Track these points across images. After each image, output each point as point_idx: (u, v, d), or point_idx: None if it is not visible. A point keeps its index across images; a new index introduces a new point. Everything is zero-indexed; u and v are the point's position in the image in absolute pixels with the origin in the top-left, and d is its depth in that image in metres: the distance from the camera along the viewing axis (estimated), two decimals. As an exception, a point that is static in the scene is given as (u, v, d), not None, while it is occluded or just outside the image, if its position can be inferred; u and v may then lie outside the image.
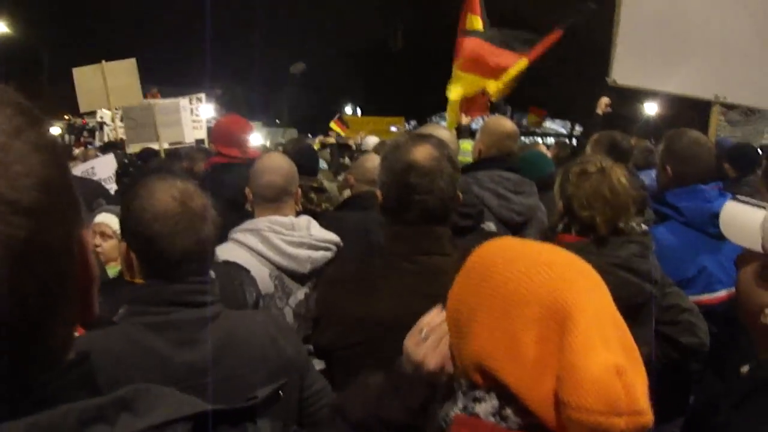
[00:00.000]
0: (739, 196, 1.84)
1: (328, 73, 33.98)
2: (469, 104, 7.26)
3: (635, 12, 4.50)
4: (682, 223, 3.24)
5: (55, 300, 0.64)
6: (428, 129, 3.69)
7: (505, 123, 4.06)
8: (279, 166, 3.08)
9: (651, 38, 4.55)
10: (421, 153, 2.23)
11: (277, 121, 33.05)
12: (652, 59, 4.59)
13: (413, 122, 29.17)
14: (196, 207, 1.86)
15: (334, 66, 33.99)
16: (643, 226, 2.75)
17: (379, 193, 2.33)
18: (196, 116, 11.78)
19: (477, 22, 7.32)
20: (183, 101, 9.26)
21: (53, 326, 0.65)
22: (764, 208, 1.66)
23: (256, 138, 18.32)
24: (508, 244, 1.24)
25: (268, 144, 17.14)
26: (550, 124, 37.88)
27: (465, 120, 6.44)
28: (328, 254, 3.00)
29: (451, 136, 3.81)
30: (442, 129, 3.77)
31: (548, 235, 2.78)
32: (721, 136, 8.58)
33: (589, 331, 1.01)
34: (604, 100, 5.51)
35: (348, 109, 38.91)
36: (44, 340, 0.64)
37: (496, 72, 7.15)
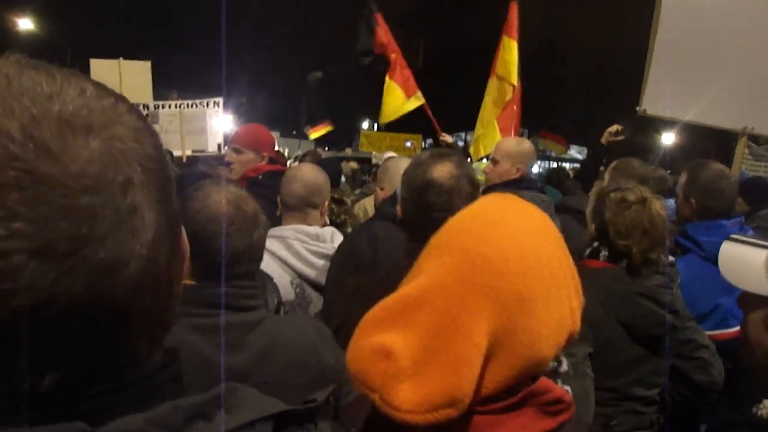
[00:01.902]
0: (736, 235, 1.81)
1: (347, 87, 34.18)
2: (507, 124, 7.29)
3: (669, 43, 4.55)
4: (701, 258, 3.23)
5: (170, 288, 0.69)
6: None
7: (527, 143, 4.16)
8: (303, 177, 3.12)
9: (683, 69, 4.61)
10: (441, 171, 2.26)
11: (294, 132, 33.20)
12: (683, 90, 4.64)
13: (429, 140, 29.25)
14: (249, 211, 1.91)
15: (353, 80, 34.17)
16: (670, 258, 2.75)
17: (399, 208, 2.37)
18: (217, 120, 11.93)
19: (513, 46, 7.31)
20: (209, 110, 9.35)
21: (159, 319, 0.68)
22: (765, 247, 1.64)
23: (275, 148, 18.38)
24: None
25: (287, 154, 17.19)
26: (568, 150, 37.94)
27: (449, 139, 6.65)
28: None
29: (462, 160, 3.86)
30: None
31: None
32: (743, 170, 8.55)
33: (387, 309, 1.07)
34: (611, 129, 5.51)
35: (365, 124, 39.09)
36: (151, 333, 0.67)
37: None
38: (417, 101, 7.55)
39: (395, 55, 7.62)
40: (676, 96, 4.67)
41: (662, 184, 5.32)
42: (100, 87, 0.65)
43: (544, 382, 1.13)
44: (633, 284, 2.59)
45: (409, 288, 1.11)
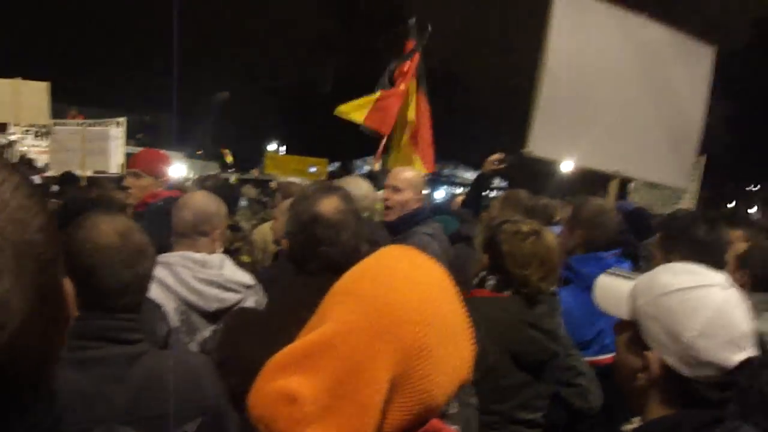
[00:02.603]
0: (612, 269, 1.97)
1: (255, 108, 34.00)
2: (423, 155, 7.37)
3: (553, 90, 4.83)
4: (583, 288, 3.37)
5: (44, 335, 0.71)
6: (347, 181, 3.77)
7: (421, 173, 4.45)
8: (194, 204, 3.10)
9: (565, 115, 4.91)
10: (328, 205, 2.29)
11: (198, 153, 32.68)
12: (565, 133, 4.94)
13: (336, 164, 29.35)
14: (137, 242, 1.89)
15: (261, 101, 34.05)
16: (553, 288, 2.86)
17: (285, 242, 2.39)
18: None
19: (411, 84, 7.41)
20: (112, 130, 9.15)
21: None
22: (632, 279, 1.76)
23: (179, 169, 17.99)
24: None
25: (192, 176, 16.86)
26: (467, 174, 38.89)
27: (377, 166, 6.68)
28: (238, 296, 2.98)
29: (369, 188, 3.90)
30: (360, 180, 3.88)
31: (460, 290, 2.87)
32: (629, 201, 8.99)
33: (293, 354, 1.09)
34: (492, 158, 5.73)
35: (272, 146, 38.91)
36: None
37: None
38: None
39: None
40: (559, 139, 4.94)
41: (547, 212, 5.55)
42: None
43: (435, 422, 1.16)
44: (518, 313, 2.68)
45: (314, 334, 1.12)
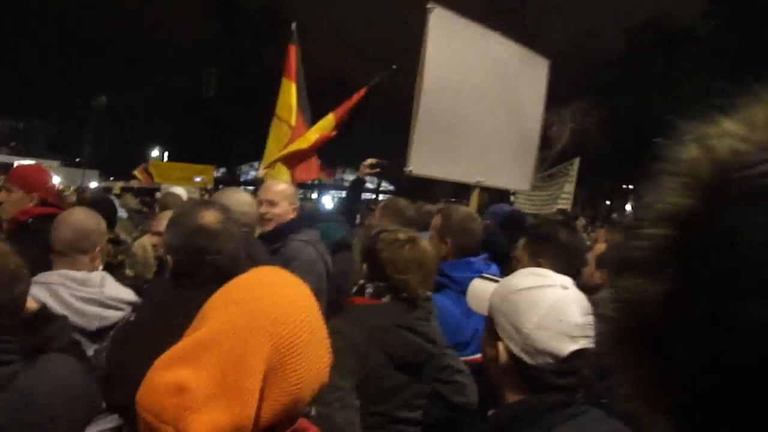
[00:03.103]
0: (485, 274, 2.20)
1: (137, 114, 33.06)
2: (301, 165, 7.39)
3: (429, 110, 5.09)
4: (457, 292, 3.56)
5: None
6: (227, 193, 3.80)
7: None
8: (72, 221, 3.08)
9: (440, 134, 5.20)
10: (209, 217, 2.39)
11: (77, 160, 31.41)
12: (439, 151, 5.24)
13: (222, 170, 28.94)
14: (10, 265, 1.89)
15: (143, 106, 33.12)
16: (427, 293, 3.02)
17: (169, 257, 2.43)
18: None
19: (291, 88, 7.46)
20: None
21: None
22: (496, 281, 2.02)
23: (55, 179, 17.18)
24: None
25: (72, 187, 16.16)
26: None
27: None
28: (120, 313, 2.98)
29: (251, 200, 3.94)
30: (242, 193, 3.95)
31: (338, 298, 3.01)
32: (514, 205, 9.41)
33: (180, 352, 1.23)
34: (366, 163, 5.92)
35: (155, 152, 37.93)
36: None
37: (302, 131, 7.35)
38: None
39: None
40: (435, 157, 5.23)
41: (429, 218, 5.78)
42: None
43: (302, 422, 1.35)
44: (396, 318, 2.82)
45: (198, 333, 1.26)
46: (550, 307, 1.74)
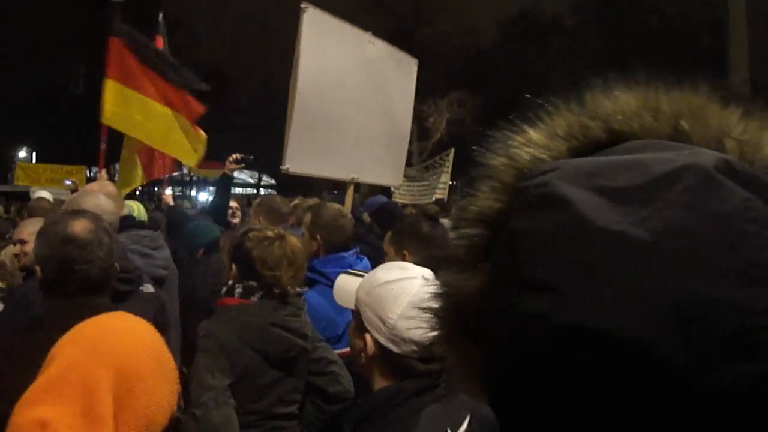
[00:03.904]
0: (351, 270, 2.31)
1: (1, 113, 31.23)
2: (150, 162, 7.24)
3: (303, 109, 5.14)
4: (329, 287, 3.67)
5: None
6: (87, 196, 3.65)
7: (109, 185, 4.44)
8: None
9: (314, 131, 5.28)
10: (79, 226, 2.38)
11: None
12: (315, 148, 5.34)
13: (95, 169, 27.77)
14: None
15: (7, 105, 31.33)
16: (297, 289, 3.11)
17: (38, 268, 2.41)
18: None
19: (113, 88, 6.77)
20: None
21: None
22: (361, 276, 2.15)
23: None
24: None
25: None
26: (238, 174, 38.57)
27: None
28: None
29: (111, 204, 3.81)
30: (100, 196, 3.74)
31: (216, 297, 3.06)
32: (394, 197, 9.62)
33: (37, 391, 1.33)
34: (231, 158, 5.97)
35: (23, 153, 36.04)
36: None
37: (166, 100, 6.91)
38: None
39: None
40: (310, 154, 5.32)
41: (299, 213, 5.88)
42: None
43: None
44: (266, 316, 2.90)
45: (49, 370, 1.35)
46: (413, 297, 1.85)
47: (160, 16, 7.62)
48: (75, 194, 4.06)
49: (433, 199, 10.79)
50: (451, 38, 37.15)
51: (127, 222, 3.95)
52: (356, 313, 2.01)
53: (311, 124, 5.22)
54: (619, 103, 0.60)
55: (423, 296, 1.80)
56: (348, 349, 3.51)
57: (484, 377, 0.58)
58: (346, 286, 2.18)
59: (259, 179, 41.32)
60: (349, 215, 4.14)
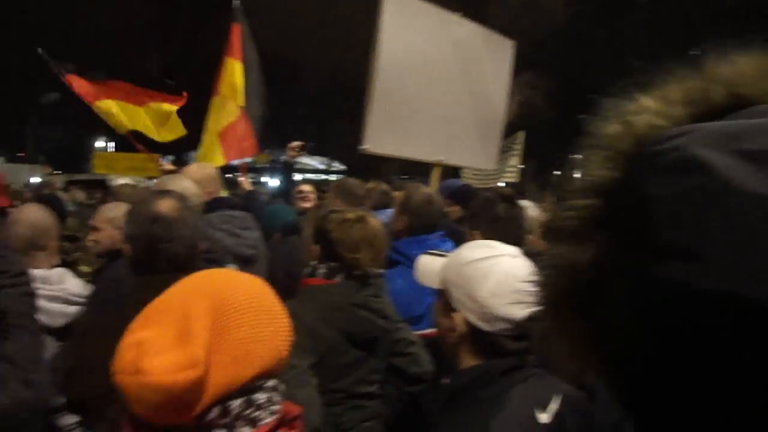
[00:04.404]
0: (430, 251, 2.32)
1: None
2: (231, 143, 7.40)
3: (385, 88, 5.15)
4: (411, 268, 3.67)
5: None
6: (173, 180, 3.79)
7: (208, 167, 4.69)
8: (27, 219, 3.09)
9: (396, 111, 5.28)
10: (165, 205, 2.45)
11: (19, 155, 30.57)
12: (397, 129, 5.33)
13: (170, 157, 28.45)
14: None
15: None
16: (379, 270, 3.13)
17: (126, 246, 2.49)
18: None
19: (237, 68, 7.47)
20: None
21: None
22: (444, 256, 2.15)
23: None
24: None
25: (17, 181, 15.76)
26: (308, 160, 38.93)
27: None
28: (78, 308, 3.03)
29: (194, 187, 3.95)
30: (185, 180, 3.88)
31: (290, 281, 3.11)
32: (462, 178, 9.56)
33: (139, 320, 1.41)
34: (293, 145, 6.03)
35: (100, 143, 37.13)
36: None
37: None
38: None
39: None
40: (391, 135, 5.31)
41: (385, 197, 5.90)
42: None
43: (287, 405, 1.47)
44: (349, 296, 2.93)
45: (153, 303, 1.43)
46: (502, 275, 1.87)
47: (237, 2, 7.67)
48: (162, 178, 4.18)
49: (503, 182, 10.65)
50: (519, 19, 36.57)
51: (220, 202, 4.08)
52: (442, 293, 2.02)
53: (392, 104, 5.21)
54: (739, 67, 0.58)
55: (514, 273, 1.84)
56: (429, 330, 3.55)
57: (596, 355, 0.57)
58: (430, 266, 2.17)
59: (329, 165, 41.66)
60: (439, 202, 4.14)
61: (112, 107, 7.99)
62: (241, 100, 7.36)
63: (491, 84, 6.26)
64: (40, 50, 7.54)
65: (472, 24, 5.99)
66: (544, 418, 1.82)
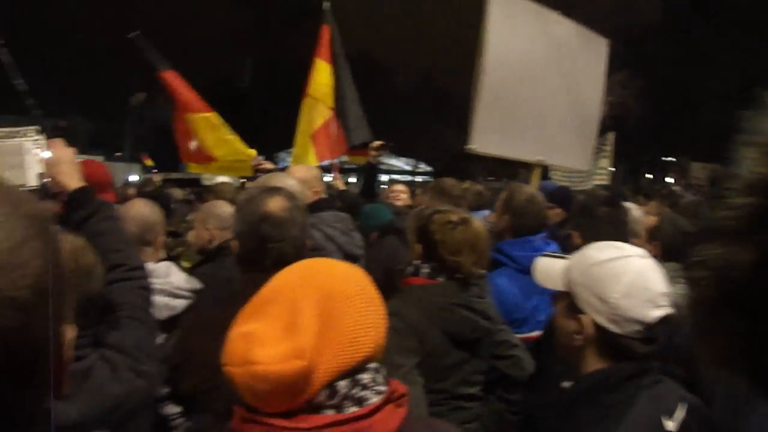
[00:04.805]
0: (548, 252, 2.25)
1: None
2: (323, 143, 7.47)
3: (491, 88, 5.13)
4: (516, 270, 3.60)
5: (29, 379, 0.77)
6: (277, 178, 3.82)
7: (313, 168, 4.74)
8: (135, 215, 3.15)
9: (500, 113, 5.24)
10: (274, 204, 2.44)
11: (117, 155, 31.82)
12: (500, 130, 5.29)
13: (260, 158, 29.05)
14: (84, 263, 1.95)
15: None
16: (481, 270, 3.06)
17: (235, 243, 2.49)
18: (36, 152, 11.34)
19: (326, 69, 7.54)
20: (26, 143, 8.95)
21: (25, 398, 0.78)
22: (564, 258, 2.09)
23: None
24: None
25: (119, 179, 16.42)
26: (395, 161, 39.11)
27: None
28: (187, 303, 3.08)
29: (297, 186, 3.98)
30: (289, 178, 3.91)
31: (389, 280, 3.07)
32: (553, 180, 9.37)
33: (246, 311, 1.42)
34: (374, 145, 6.00)
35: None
36: (17, 408, 0.77)
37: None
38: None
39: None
40: (496, 135, 5.27)
41: (480, 198, 5.81)
42: None
43: (394, 382, 1.48)
44: (452, 296, 2.87)
45: (260, 293, 1.44)
46: (634, 276, 1.81)
47: (327, 4, 7.71)
48: (265, 176, 4.22)
49: (591, 185, 10.38)
50: (611, 17, 35.70)
51: (327, 202, 4.18)
52: (566, 295, 1.95)
53: (497, 104, 5.17)
54: None
55: (645, 274, 1.74)
56: (531, 333, 3.46)
57: (751, 359, 0.54)
58: (550, 267, 2.11)
59: (416, 166, 41.75)
60: (543, 202, 4.03)
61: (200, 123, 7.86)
62: (330, 101, 7.42)
63: (587, 83, 6.13)
64: (134, 34, 7.44)
65: (571, 22, 5.89)
66: (670, 425, 1.75)
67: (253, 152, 7.31)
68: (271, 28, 33.60)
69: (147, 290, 2.31)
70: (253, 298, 1.45)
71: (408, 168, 42.20)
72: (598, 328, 1.83)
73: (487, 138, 5.16)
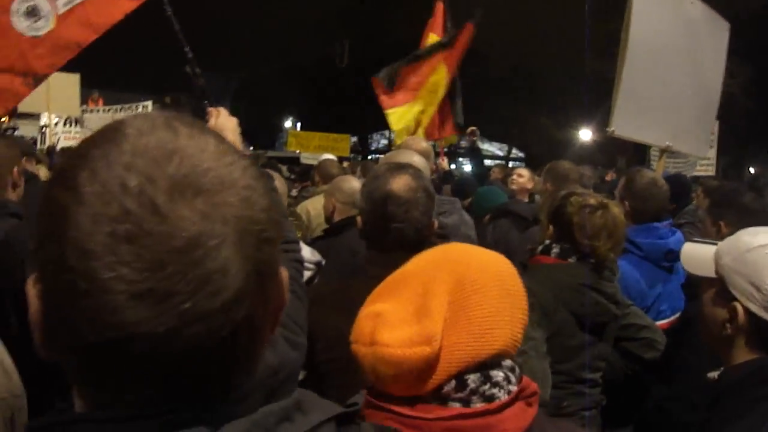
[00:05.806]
0: (695, 238, 2.20)
1: (270, 87, 33.88)
2: (434, 123, 7.42)
3: (634, 73, 5.04)
4: (640, 257, 3.54)
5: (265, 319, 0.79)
6: (402, 155, 3.77)
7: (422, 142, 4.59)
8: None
9: (639, 97, 5.14)
10: (399, 184, 2.39)
11: (217, 131, 32.64)
12: (638, 115, 5.19)
13: (354, 138, 29.32)
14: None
15: (276, 80, 33.93)
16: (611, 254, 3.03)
17: (359, 219, 2.52)
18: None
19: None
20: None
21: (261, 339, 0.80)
22: (715, 244, 2.02)
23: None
24: None
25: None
26: (488, 146, 38.76)
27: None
28: (309, 273, 3.12)
29: (424, 162, 3.98)
30: (415, 154, 3.84)
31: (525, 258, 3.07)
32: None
33: (378, 291, 1.43)
34: (469, 131, 5.97)
35: (288, 123, 39.01)
36: (252, 354, 0.78)
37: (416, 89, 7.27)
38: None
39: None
40: (634, 119, 5.18)
41: (583, 180, 5.72)
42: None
43: (526, 380, 1.42)
44: (582, 278, 2.85)
45: (393, 275, 1.45)
46: None
47: None
48: (391, 152, 4.27)
49: (692, 175, 10.01)
50: (719, 3, 34.17)
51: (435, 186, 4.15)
52: (716, 282, 1.90)
53: (637, 88, 5.08)
54: None
55: None
56: (663, 321, 3.40)
57: None
58: (699, 253, 2.05)
59: (509, 152, 41.30)
60: (666, 186, 3.94)
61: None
62: (446, 82, 7.34)
63: (710, 68, 5.87)
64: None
65: (703, 4, 5.66)
66: None
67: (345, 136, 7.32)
68: (369, 8, 33.64)
69: (301, 263, 2.33)
70: (387, 278, 1.45)
71: (501, 153, 41.81)
72: (751, 316, 1.77)
73: (626, 122, 5.08)
